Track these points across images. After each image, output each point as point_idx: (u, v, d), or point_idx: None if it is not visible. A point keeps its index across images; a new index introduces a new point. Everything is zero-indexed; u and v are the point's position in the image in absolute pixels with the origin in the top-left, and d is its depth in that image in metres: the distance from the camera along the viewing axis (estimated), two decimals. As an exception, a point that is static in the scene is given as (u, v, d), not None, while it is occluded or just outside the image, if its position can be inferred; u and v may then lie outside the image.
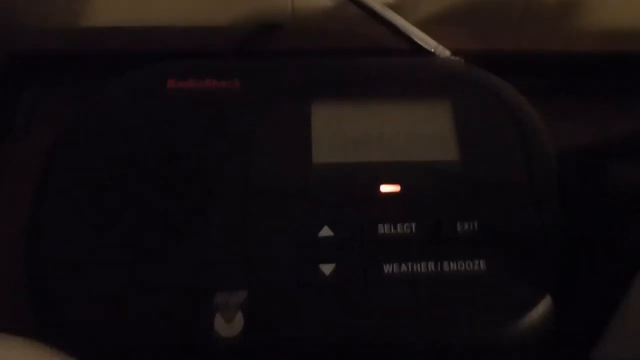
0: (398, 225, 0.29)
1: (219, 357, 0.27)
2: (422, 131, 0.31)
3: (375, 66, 0.33)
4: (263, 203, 0.29)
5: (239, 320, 0.27)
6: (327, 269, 0.28)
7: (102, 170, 0.30)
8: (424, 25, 0.37)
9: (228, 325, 0.27)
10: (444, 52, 0.36)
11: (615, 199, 0.29)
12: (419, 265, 0.28)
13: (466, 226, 0.29)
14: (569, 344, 0.30)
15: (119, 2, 0.39)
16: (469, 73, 0.33)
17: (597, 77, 0.40)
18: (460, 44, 0.38)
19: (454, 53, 0.37)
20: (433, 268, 0.28)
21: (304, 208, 0.29)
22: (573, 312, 0.29)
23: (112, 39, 0.38)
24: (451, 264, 0.28)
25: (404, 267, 0.28)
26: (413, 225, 0.29)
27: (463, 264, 0.28)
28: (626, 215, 0.27)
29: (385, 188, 0.30)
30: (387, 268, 0.28)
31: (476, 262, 0.28)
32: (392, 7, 0.37)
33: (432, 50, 0.36)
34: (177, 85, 0.32)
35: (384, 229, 0.28)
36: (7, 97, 0.38)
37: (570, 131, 0.33)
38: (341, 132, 0.31)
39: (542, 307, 0.27)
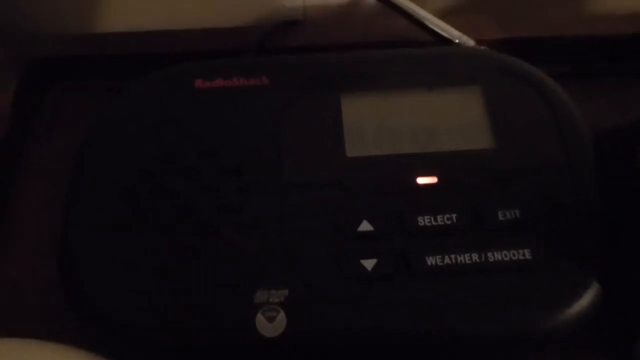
0: (438, 216, 0.28)
1: (262, 358, 0.27)
2: (455, 120, 0.31)
3: (403, 56, 0.33)
4: (299, 199, 0.29)
5: (281, 319, 0.26)
6: (369, 264, 0.27)
7: (133, 169, 0.29)
8: (443, 16, 0.37)
9: (270, 325, 0.26)
10: (468, 41, 0.36)
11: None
12: (462, 256, 0.27)
13: (508, 214, 0.28)
14: (613, 335, 0.29)
15: (136, 6, 0.39)
16: (495, 59, 0.33)
17: (620, 60, 0.40)
18: (481, 33, 0.37)
19: (477, 43, 0.36)
20: (477, 258, 0.27)
21: (341, 203, 0.29)
22: (617, 301, 0.28)
23: (130, 42, 0.38)
24: (495, 253, 0.27)
25: (447, 259, 0.27)
26: (454, 215, 0.28)
27: (507, 253, 0.27)
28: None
29: (422, 179, 0.29)
30: (430, 260, 0.27)
31: (520, 250, 0.27)
32: (410, -2, 0.36)
33: (456, 40, 0.36)
34: (205, 84, 0.32)
35: (424, 220, 0.28)
36: (30, 100, 0.38)
37: (595, 115, 0.33)
38: (373, 124, 0.31)
39: (590, 294, 0.27)
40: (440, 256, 0.27)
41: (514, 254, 0.27)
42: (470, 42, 0.36)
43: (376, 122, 0.31)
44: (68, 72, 0.39)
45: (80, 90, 0.39)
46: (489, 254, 0.27)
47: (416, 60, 0.32)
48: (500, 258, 0.27)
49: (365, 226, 0.28)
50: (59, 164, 0.34)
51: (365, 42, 0.37)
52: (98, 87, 0.38)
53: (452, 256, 0.27)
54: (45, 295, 0.30)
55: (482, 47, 0.35)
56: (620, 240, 0.28)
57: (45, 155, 0.36)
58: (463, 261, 0.27)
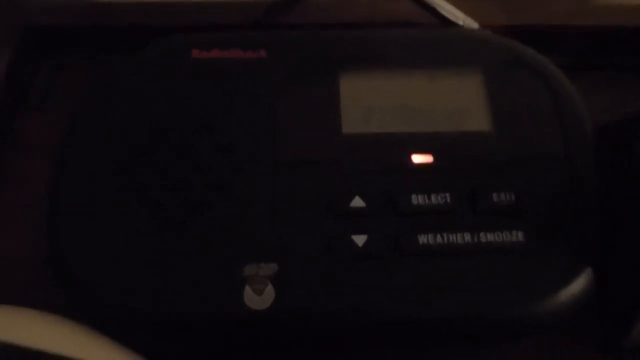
0: (432, 195, 0.28)
1: (249, 331, 0.26)
2: (454, 102, 0.30)
3: (405, 37, 0.32)
4: (292, 174, 0.28)
5: (269, 293, 0.26)
6: (359, 240, 0.27)
7: (125, 141, 0.29)
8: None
9: (258, 298, 0.26)
10: (472, 24, 0.35)
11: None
12: (455, 236, 0.27)
13: (502, 197, 0.28)
14: (605, 322, 0.29)
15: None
16: (500, 43, 0.32)
17: (626, 52, 0.39)
18: (487, 18, 0.37)
19: (481, 26, 0.36)
20: (469, 239, 0.27)
21: (334, 179, 0.28)
22: (610, 289, 0.28)
23: (127, 13, 0.38)
24: (488, 235, 0.27)
25: (439, 239, 0.27)
26: (448, 195, 0.28)
27: (500, 235, 0.27)
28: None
29: (417, 158, 0.29)
30: (422, 239, 0.27)
31: (514, 233, 0.27)
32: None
33: (461, 23, 0.35)
34: (202, 55, 0.31)
35: (417, 199, 0.28)
36: (24, 70, 0.37)
37: (599, 107, 0.32)
38: (371, 102, 0.30)
39: (582, 280, 0.27)
40: (432, 236, 0.27)
41: (507, 236, 0.27)
42: (475, 25, 0.35)
43: (374, 101, 0.30)
44: (63, 43, 0.38)
45: (75, 62, 0.38)
46: (482, 236, 0.27)
47: (417, 41, 0.32)
48: (492, 240, 0.27)
49: (357, 202, 0.28)
50: (51, 136, 0.33)
51: (368, 22, 0.37)
52: (93, 59, 0.38)
53: (444, 236, 0.27)
54: (35, 271, 0.30)
55: (487, 31, 0.35)
56: (616, 230, 0.28)
57: (38, 128, 0.36)
58: (455, 241, 0.27)
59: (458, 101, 0.30)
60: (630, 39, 0.39)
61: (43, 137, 0.36)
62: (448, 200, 0.28)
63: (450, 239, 0.27)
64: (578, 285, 0.26)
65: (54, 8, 0.37)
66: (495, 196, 0.28)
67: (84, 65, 0.38)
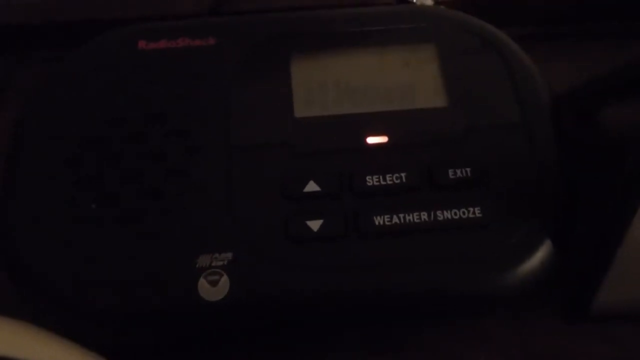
0: (387, 176, 0.27)
1: (205, 323, 0.26)
2: (408, 79, 0.30)
3: (355, 15, 0.32)
4: (245, 160, 0.28)
5: (224, 283, 0.26)
6: (314, 225, 0.26)
7: (75, 135, 0.28)
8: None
9: (213, 289, 0.25)
10: (426, 1, 0.35)
11: (609, 138, 0.28)
12: (411, 215, 0.26)
13: (459, 173, 0.27)
14: (568, 292, 0.29)
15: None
16: (451, 17, 0.32)
17: (580, 22, 0.39)
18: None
19: (436, 3, 0.35)
20: (427, 217, 0.26)
21: (287, 163, 0.28)
22: (571, 259, 0.27)
23: (79, 8, 0.37)
24: (445, 212, 0.26)
25: (395, 218, 0.26)
26: (403, 175, 0.27)
27: (458, 212, 0.26)
28: (620, 151, 0.26)
29: (372, 139, 0.28)
30: (379, 220, 0.26)
31: (471, 209, 0.27)
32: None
33: (414, 0, 0.35)
34: (149, 46, 0.30)
35: (372, 180, 0.27)
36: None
37: (559, 75, 0.32)
38: (323, 84, 0.30)
39: (543, 252, 0.26)
40: (388, 216, 0.26)
41: (464, 212, 0.26)
42: (428, 2, 0.35)
43: (327, 82, 0.30)
44: (19, 40, 0.37)
45: (31, 59, 0.37)
46: (439, 213, 0.26)
47: (368, 19, 0.31)
48: (450, 217, 0.26)
49: (311, 187, 0.27)
50: (8, 134, 0.32)
51: (320, 4, 0.36)
52: (49, 56, 0.37)
53: (401, 216, 0.26)
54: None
55: (440, 7, 0.34)
56: (576, 200, 0.28)
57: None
58: (412, 220, 0.26)
59: (411, 78, 0.30)
60: (588, 6, 0.39)
61: (1, 135, 0.35)
62: (404, 179, 0.27)
63: (407, 219, 0.26)
64: (538, 257, 0.26)
65: (7, 5, 0.37)
66: (451, 172, 0.27)
67: (41, 62, 0.37)
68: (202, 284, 0.25)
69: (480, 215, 0.26)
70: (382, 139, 0.28)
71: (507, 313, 0.29)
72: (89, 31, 0.33)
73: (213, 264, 0.26)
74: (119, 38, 0.31)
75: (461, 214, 0.26)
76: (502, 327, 0.29)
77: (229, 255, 0.26)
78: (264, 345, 0.28)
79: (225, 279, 0.26)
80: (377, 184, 0.27)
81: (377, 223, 0.26)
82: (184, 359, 0.29)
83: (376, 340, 0.29)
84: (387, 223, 0.26)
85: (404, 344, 0.29)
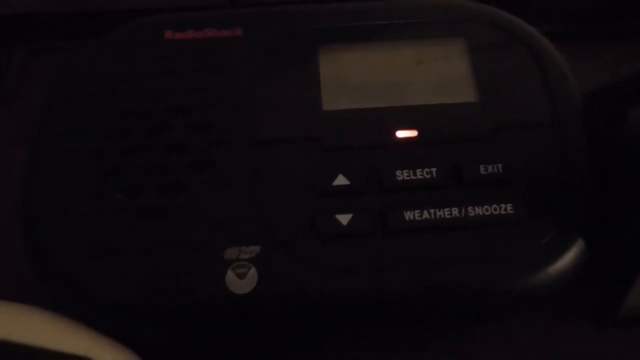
0: (417, 170, 0.27)
1: (233, 315, 0.26)
2: (438, 73, 0.29)
3: (385, 8, 0.31)
4: (273, 154, 0.27)
5: (252, 276, 0.25)
6: (344, 219, 0.26)
7: (99, 127, 0.28)
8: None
9: (241, 282, 0.25)
10: (454, -5, 0.34)
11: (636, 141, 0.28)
12: (442, 211, 0.26)
13: (490, 169, 0.27)
14: (598, 295, 0.28)
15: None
16: (482, 12, 0.31)
17: (614, 18, 0.39)
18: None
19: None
20: (457, 213, 0.26)
21: (316, 158, 0.27)
22: (601, 261, 0.27)
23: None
24: (476, 208, 0.26)
25: (426, 214, 0.26)
26: (433, 170, 0.27)
27: (489, 208, 0.26)
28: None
29: (401, 133, 0.28)
30: (408, 215, 0.26)
31: (502, 205, 0.26)
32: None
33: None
34: (175, 36, 0.30)
35: (402, 174, 0.27)
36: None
37: (588, 74, 0.31)
38: (352, 77, 0.29)
39: (574, 252, 0.26)
40: (418, 211, 0.26)
41: (495, 209, 0.26)
42: (457, -4, 0.34)
43: (355, 75, 0.29)
44: (34, 30, 0.37)
45: (48, 50, 0.37)
46: (470, 209, 0.26)
47: (397, 12, 0.31)
48: (481, 213, 0.26)
49: (340, 180, 0.27)
50: (26, 126, 0.32)
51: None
52: (67, 46, 0.37)
53: (431, 211, 0.26)
54: (13, 260, 0.29)
55: (469, 0, 0.34)
56: (607, 198, 0.27)
57: (11, 118, 0.35)
58: (442, 216, 0.26)
59: (441, 72, 0.29)
60: (617, 6, 0.38)
61: (17, 128, 0.35)
62: (434, 174, 0.27)
63: (437, 214, 0.26)
64: (569, 257, 0.26)
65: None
66: (482, 168, 0.27)
67: (57, 53, 0.37)
68: (230, 276, 0.25)
69: (512, 212, 0.26)
70: (411, 133, 0.28)
71: (534, 315, 0.29)
72: (105, 22, 0.33)
73: (241, 256, 0.25)
74: (146, 27, 0.31)
75: (493, 210, 0.26)
76: (528, 330, 0.29)
77: (257, 248, 0.26)
78: (292, 339, 0.27)
79: (253, 272, 0.25)
80: (408, 178, 0.27)
81: (407, 218, 0.26)
82: (205, 352, 0.29)
83: (398, 340, 0.29)
84: (417, 218, 0.26)
85: (427, 345, 0.29)
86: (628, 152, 0.28)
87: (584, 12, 0.39)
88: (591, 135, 0.28)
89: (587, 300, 0.28)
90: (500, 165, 0.27)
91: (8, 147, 0.34)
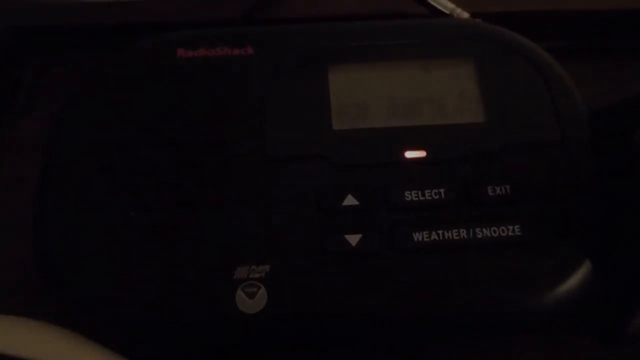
0: (426, 191, 0.27)
1: (242, 335, 0.26)
2: (446, 93, 0.30)
3: (394, 28, 0.32)
4: (283, 173, 0.28)
5: (261, 295, 0.26)
6: (353, 239, 0.26)
7: (112, 142, 0.28)
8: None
9: (250, 301, 0.25)
10: (462, 14, 0.35)
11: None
12: (450, 232, 0.26)
13: (498, 190, 0.27)
14: (606, 313, 0.28)
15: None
16: (490, 32, 0.32)
17: (619, 37, 0.39)
18: (477, 6, 0.36)
19: (472, 15, 0.35)
20: (465, 234, 0.26)
21: (325, 177, 0.28)
22: (610, 280, 0.27)
23: (112, 13, 0.37)
24: (484, 229, 0.26)
25: (434, 235, 0.26)
26: (442, 190, 0.27)
27: (497, 229, 0.26)
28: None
29: (410, 153, 0.28)
30: (417, 236, 0.26)
31: (510, 227, 0.26)
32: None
33: (449, 13, 0.35)
34: (187, 54, 0.30)
35: (411, 195, 0.27)
36: (9, 71, 0.37)
37: (595, 91, 0.32)
38: (361, 97, 0.30)
39: (582, 273, 0.26)
40: (427, 232, 0.26)
41: (503, 230, 0.26)
42: (465, 15, 0.35)
43: (364, 95, 0.30)
44: (48, 43, 0.38)
45: (61, 63, 0.38)
46: (478, 230, 0.26)
47: (407, 32, 0.31)
48: (489, 234, 0.26)
49: (350, 200, 0.27)
50: (39, 139, 0.32)
51: (357, 14, 0.36)
52: (80, 59, 0.37)
53: (440, 232, 0.26)
54: (23, 274, 0.29)
55: (477, 20, 0.34)
56: (615, 219, 0.27)
57: (25, 130, 0.36)
58: (451, 237, 0.26)
59: (449, 92, 0.30)
60: (622, 22, 0.38)
61: (33, 138, 0.35)
62: (442, 195, 0.27)
63: (446, 235, 0.26)
64: (577, 278, 0.26)
65: (37, 8, 0.37)
66: (490, 189, 0.27)
67: (70, 66, 0.38)
68: (240, 295, 0.26)
69: (519, 233, 0.26)
70: (420, 154, 0.28)
71: (542, 335, 0.29)
72: (123, 35, 0.33)
73: (250, 275, 0.26)
74: (159, 45, 0.31)
75: (500, 231, 0.26)
76: (536, 350, 0.29)
77: (267, 267, 0.26)
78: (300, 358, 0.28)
79: (262, 291, 0.26)
80: (416, 199, 0.27)
81: (415, 239, 0.26)
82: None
83: (408, 358, 0.29)
84: (425, 239, 0.26)
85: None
86: (636, 169, 0.28)
87: (590, 28, 0.39)
88: (599, 154, 0.28)
89: (594, 317, 0.29)
90: (508, 187, 0.27)
91: (21, 159, 0.34)
